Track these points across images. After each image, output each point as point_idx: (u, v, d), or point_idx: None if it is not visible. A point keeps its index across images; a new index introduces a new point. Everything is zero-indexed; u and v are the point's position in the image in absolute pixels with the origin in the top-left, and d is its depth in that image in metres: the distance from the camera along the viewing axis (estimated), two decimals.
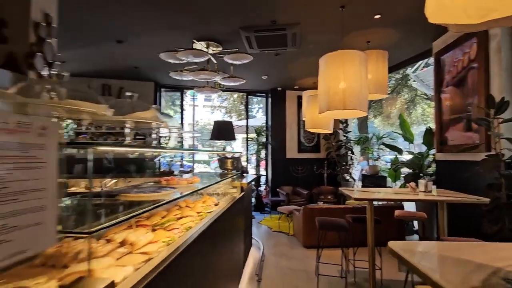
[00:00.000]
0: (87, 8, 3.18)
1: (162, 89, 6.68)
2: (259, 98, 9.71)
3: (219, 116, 15.69)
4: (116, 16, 3.36)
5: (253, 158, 7.70)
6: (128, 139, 1.13)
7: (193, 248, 1.39)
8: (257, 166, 7.54)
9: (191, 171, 5.83)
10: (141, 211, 1.01)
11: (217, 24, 3.55)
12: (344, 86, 2.38)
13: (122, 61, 4.94)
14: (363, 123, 9.71)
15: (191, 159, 8.73)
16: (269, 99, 7.16)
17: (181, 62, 3.98)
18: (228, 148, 6.04)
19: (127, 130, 1.09)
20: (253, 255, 3.87)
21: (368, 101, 2.58)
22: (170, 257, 1.12)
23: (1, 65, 2.06)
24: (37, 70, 2.16)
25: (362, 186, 5.99)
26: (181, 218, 1.63)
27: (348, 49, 2.42)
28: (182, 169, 5.39)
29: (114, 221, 0.79)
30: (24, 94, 0.67)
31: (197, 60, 3.91)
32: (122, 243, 1.10)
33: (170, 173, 4.52)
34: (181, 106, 7.15)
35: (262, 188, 7.20)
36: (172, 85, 6.61)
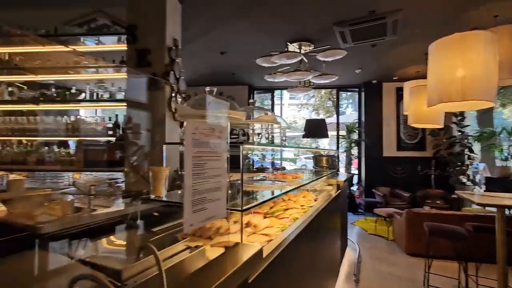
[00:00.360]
0: (200, 27, 3.77)
1: (255, 91, 7.19)
2: (348, 94, 9.21)
3: (306, 113, 15.62)
4: (222, 31, 3.86)
5: (343, 156, 7.38)
6: (251, 139, 1.35)
7: (301, 237, 1.53)
8: (349, 164, 7.20)
9: (283, 168, 6.08)
10: (283, 191, 1.22)
11: (309, 24, 3.61)
12: (463, 73, 2.06)
13: (222, 68, 5.60)
14: (485, 114, 7.89)
15: (278, 157, 9.00)
16: (362, 94, 6.73)
17: (273, 65, 4.22)
18: (314, 146, 5.99)
19: (251, 131, 1.32)
20: (349, 256, 3.78)
21: (497, 89, 2.15)
22: (286, 241, 1.28)
23: None
24: (170, 84, 2.74)
25: (485, 191, 4.94)
26: (287, 209, 1.80)
27: (467, 28, 2.09)
28: (272, 166, 5.68)
29: (259, 202, 0.99)
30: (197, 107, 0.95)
31: (289, 61, 4.06)
32: (247, 225, 1.32)
33: (263, 169, 4.86)
34: (272, 106, 7.51)
35: (355, 188, 6.84)
36: (264, 87, 7.03)
